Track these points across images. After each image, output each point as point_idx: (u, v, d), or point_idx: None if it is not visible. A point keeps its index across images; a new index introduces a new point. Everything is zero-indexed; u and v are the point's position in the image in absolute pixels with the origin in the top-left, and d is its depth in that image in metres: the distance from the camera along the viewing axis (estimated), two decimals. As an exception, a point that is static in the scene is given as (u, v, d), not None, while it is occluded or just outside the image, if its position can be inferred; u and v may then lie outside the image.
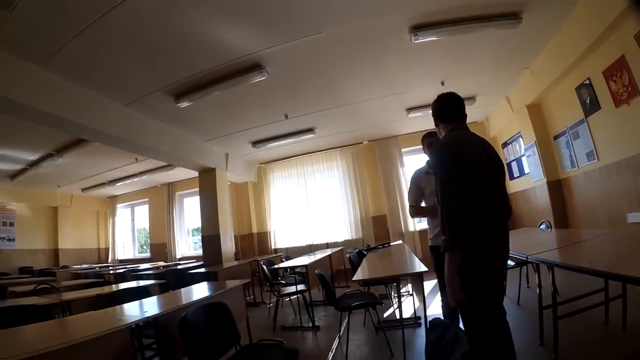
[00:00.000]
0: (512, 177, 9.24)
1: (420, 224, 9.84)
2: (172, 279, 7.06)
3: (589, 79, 5.65)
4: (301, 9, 4.41)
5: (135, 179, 11.68)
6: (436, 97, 2.57)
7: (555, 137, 7.10)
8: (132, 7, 3.94)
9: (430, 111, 2.63)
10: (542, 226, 5.87)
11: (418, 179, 3.69)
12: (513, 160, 9.13)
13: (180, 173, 11.29)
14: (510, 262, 4.51)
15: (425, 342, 1.93)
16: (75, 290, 5.59)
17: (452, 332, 1.77)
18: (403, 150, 10.29)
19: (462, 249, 2.04)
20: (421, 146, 3.77)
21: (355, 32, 5.02)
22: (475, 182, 2.09)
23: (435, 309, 5.12)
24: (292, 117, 7.96)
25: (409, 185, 3.84)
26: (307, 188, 11.37)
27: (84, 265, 12.45)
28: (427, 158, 3.76)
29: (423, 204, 3.68)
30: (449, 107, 2.49)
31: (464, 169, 2.08)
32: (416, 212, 3.81)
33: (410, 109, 8.35)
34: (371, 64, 6.05)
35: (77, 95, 5.51)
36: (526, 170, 8.39)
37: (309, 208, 11.31)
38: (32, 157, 8.63)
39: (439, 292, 3.33)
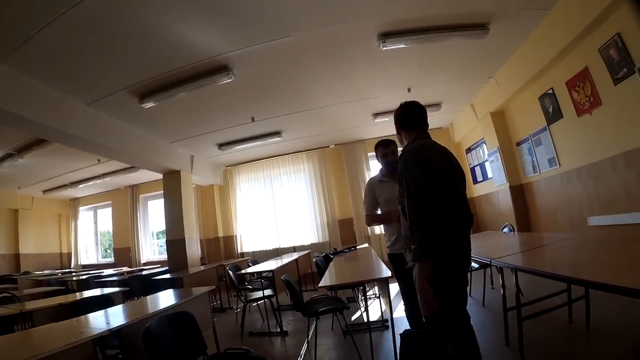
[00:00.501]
0: (475, 181, 9.45)
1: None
2: (137, 285, 6.92)
3: (552, 88, 5.84)
4: (270, 12, 4.39)
5: (98, 181, 11.32)
6: (399, 106, 2.59)
7: (518, 144, 7.31)
8: (97, 3, 3.82)
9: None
10: (505, 229, 6.00)
11: (373, 188, 3.69)
12: (477, 165, 9.33)
13: (145, 175, 11.06)
14: (474, 265, 4.60)
15: (400, 355, 1.92)
16: (37, 300, 5.43)
17: (430, 342, 1.78)
18: (369, 154, 10.35)
19: (432, 257, 2.06)
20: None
21: (324, 37, 5.03)
22: (441, 191, 2.12)
23: (402, 311, 5.17)
24: (258, 120, 7.91)
25: (363, 195, 3.88)
26: (274, 191, 11.32)
27: (46, 271, 11.96)
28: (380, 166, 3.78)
29: (379, 212, 3.70)
30: (411, 116, 2.51)
31: (430, 178, 2.11)
32: (371, 220, 3.82)
33: (377, 114, 8.44)
34: (339, 69, 6.08)
35: (37, 93, 5.30)
36: (489, 174, 8.58)
37: (276, 211, 11.26)
38: (-10, 156, 8.27)
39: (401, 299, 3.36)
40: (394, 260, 3.37)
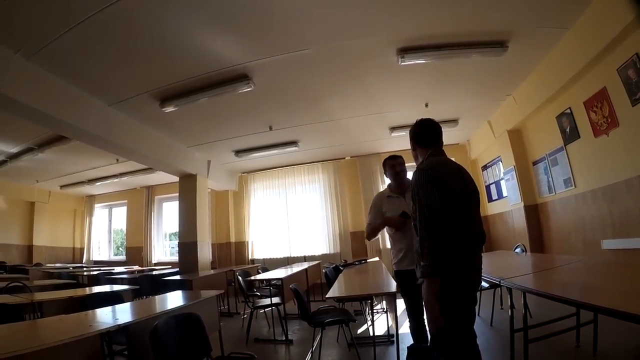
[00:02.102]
0: (490, 200, 9.38)
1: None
2: (147, 285, 6.97)
3: (570, 108, 5.80)
4: (291, 24, 4.47)
5: (115, 180, 11.50)
6: (415, 122, 2.60)
7: (534, 163, 7.24)
8: (125, 8, 3.92)
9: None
10: (518, 249, 5.95)
11: (380, 202, 3.65)
12: (492, 183, 9.27)
13: (161, 177, 11.16)
14: (484, 284, 4.56)
15: None
16: (47, 291, 5.49)
17: (434, 358, 1.78)
18: (385, 167, 10.33)
19: (440, 275, 2.05)
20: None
21: (342, 50, 5.09)
22: (453, 208, 2.12)
23: (407, 328, 5.14)
24: (276, 129, 7.98)
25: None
26: (288, 200, 11.37)
27: (58, 264, 12.16)
28: (389, 181, 3.76)
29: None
30: (427, 133, 2.51)
31: (443, 196, 2.11)
32: (370, 229, 3.72)
33: (393, 128, 8.46)
34: (357, 82, 6.12)
35: (62, 92, 5.44)
36: (504, 193, 8.50)
37: (289, 220, 11.30)
38: (13, 149, 8.46)
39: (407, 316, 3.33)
40: (400, 277, 3.35)
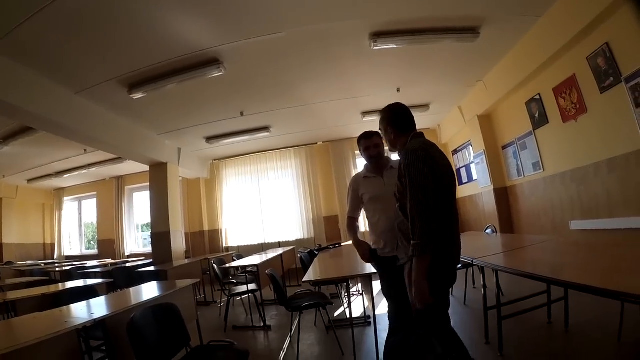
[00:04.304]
0: (460, 183, 9.54)
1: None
2: (121, 277, 6.89)
3: (539, 94, 5.94)
4: (263, 6, 4.40)
5: (84, 171, 11.18)
6: (387, 108, 2.61)
7: (504, 147, 7.41)
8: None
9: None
10: (488, 230, 6.09)
11: (357, 185, 3.33)
12: (462, 167, 9.45)
13: (131, 166, 10.96)
14: (457, 264, 4.66)
15: (385, 347, 1.96)
16: (20, 290, 5.40)
17: (417, 337, 1.81)
18: (357, 152, 10.35)
19: (430, 253, 2.08)
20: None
21: (315, 34, 5.06)
22: (441, 189, 2.18)
23: (384, 309, 5.22)
24: (247, 114, 7.91)
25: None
26: (261, 186, 11.34)
27: (29, 262, 11.87)
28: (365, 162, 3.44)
29: (363, 213, 3.40)
30: (404, 117, 2.53)
31: (434, 176, 2.14)
32: (349, 231, 3.49)
33: (365, 113, 8.50)
34: (329, 66, 6.11)
35: (25, 81, 5.23)
36: (474, 176, 8.68)
37: (262, 206, 11.28)
38: (-25, 144, 8.15)
39: (385, 300, 3.17)
40: (381, 262, 3.14)
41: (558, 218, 5.95)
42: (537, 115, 6.13)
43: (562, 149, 5.66)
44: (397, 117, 2.55)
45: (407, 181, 2.17)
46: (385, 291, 3.13)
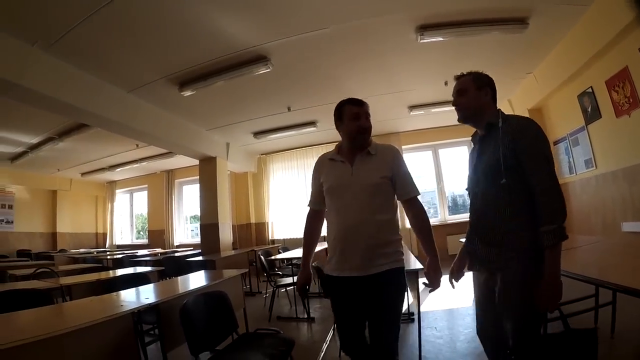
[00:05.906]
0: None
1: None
2: (171, 266, 7.12)
3: (591, 87, 5.72)
4: (309, 3, 4.45)
5: (135, 165, 11.68)
6: (475, 72, 2.37)
7: (555, 143, 7.16)
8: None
9: (452, 96, 2.40)
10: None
11: (320, 167, 2.56)
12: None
13: (180, 161, 11.30)
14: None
15: None
16: (73, 275, 5.61)
17: None
18: (404, 147, 10.23)
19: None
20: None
21: (361, 29, 5.05)
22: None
23: (428, 305, 5.21)
24: (294, 109, 8.00)
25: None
26: (307, 180, 11.33)
27: (82, 250, 12.47)
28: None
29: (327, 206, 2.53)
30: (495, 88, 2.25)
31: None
32: (308, 223, 2.90)
33: (412, 107, 8.40)
34: (375, 61, 6.08)
35: (80, 81, 5.54)
36: (524, 173, 8.41)
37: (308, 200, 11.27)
38: (33, 140, 8.65)
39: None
40: (333, 284, 2.36)
41: (609, 218, 5.73)
42: (589, 110, 5.90)
43: (615, 145, 5.44)
44: (493, 85, 2.28)
45: (535, 153, 1.85)
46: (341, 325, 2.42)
